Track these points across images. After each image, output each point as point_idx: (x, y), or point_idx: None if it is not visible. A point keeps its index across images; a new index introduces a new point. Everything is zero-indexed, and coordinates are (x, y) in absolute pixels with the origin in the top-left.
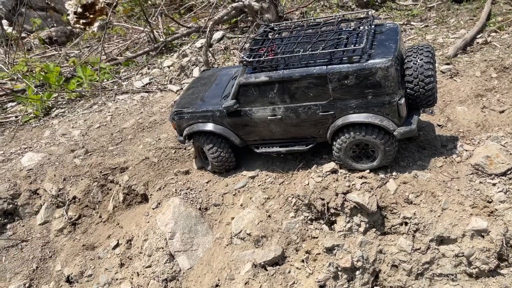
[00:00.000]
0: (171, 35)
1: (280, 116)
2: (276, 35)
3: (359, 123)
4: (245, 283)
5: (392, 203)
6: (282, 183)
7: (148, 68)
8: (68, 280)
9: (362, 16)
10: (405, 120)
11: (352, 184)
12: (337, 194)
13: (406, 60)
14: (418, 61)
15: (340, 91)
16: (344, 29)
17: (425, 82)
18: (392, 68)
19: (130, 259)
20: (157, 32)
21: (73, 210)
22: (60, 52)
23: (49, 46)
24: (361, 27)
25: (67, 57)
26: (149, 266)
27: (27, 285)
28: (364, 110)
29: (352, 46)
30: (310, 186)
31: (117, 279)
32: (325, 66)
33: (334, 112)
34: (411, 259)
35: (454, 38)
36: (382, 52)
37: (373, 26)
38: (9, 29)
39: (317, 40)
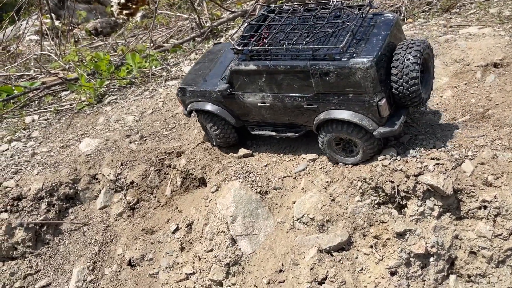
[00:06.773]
0: (216, 20)
1: (269, 104)
2: (273, 20)
3: (340, 119)
4: (311, 269)
5: (469, 186)
6: (346, 165)
7: (196, 54)
8: (130, 264)
9: (359, 4)
10: (390, 119)
11: (425, 166)
12: (408, 177)
13: (393, 58)
14: (405, 60)
15: (323, 87)
16: (337, 18)
17: (409, 83)
18: (372, 69)
19: (191, 243)
20: (201, 18)
21: (131, 195)
22: (106, 42)
23: (95, 37)
24: (350, 21)
25: (114, 47)
26: (211, 250)
27: (90, 267)
28: (345, 108)
29: (338, 40)
30: (377, 169)
31: (178, 263)
32: (308, 61)
33: (317, 106)
34: (491, 246)
35: None
36: (365, 51)
37: (370, 17)
38: (56, 22)
39: (305, 32)
